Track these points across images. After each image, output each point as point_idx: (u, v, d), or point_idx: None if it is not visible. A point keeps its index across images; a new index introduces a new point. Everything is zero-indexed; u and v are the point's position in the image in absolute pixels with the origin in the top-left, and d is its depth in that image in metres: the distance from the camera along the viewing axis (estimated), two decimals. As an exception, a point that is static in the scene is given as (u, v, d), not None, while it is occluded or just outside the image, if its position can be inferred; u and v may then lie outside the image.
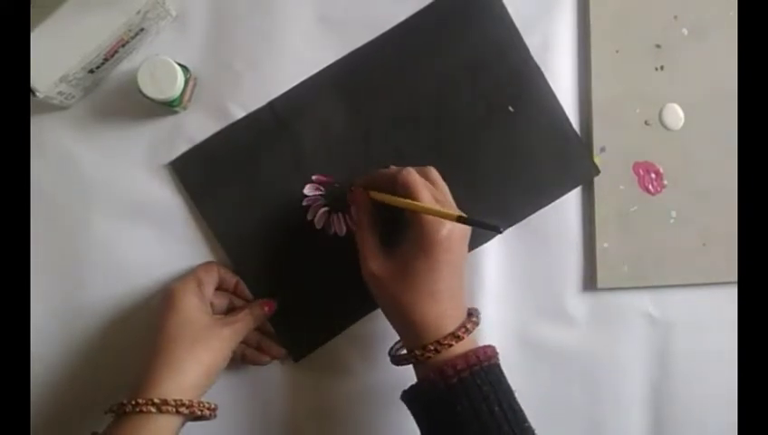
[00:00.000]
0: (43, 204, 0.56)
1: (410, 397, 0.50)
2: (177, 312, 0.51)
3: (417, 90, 0.59)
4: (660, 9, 0.61)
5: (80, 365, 0.57)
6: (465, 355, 0.47)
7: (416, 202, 0.48)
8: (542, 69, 0.60)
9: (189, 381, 0.49)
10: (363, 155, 0.59)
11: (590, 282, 0.61)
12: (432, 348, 0.47)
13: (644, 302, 0.62)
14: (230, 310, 0.57)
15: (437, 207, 0.47)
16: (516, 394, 0.49)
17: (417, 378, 0.49)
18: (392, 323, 0.51)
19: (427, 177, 0.51)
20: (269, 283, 0.58)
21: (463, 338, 0.48)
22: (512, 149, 0.59)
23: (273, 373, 0.59)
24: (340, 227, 0.58)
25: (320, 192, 0.58)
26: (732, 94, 0.60)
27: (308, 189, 0.58)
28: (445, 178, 0.53)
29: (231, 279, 0.57)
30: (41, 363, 0.56)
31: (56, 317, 0.57)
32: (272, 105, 0.58)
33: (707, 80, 0.61)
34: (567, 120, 0.60)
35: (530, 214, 0.60)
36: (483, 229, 0.45)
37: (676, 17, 0.61)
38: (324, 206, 0.58)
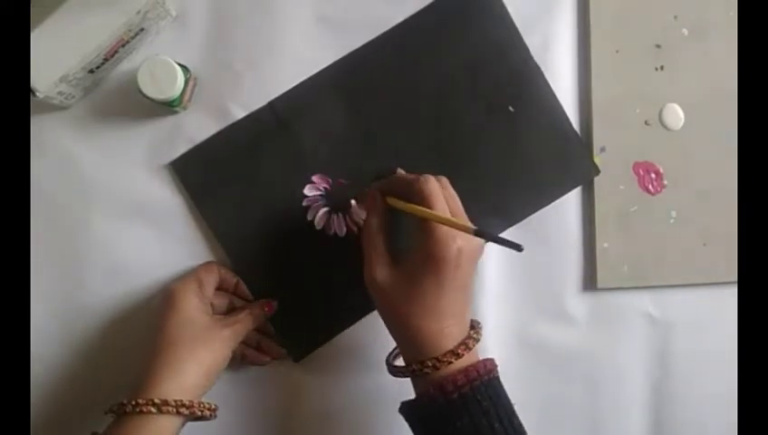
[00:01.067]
0: (43, 204, 0.56)
1: (409, 411, 0.49)
2: (177, 312, 0.51)
3: (417, 90, 0.59)
4: (660, 9, 0.61)
5: (80, 365, 0.57)
6: (466, 370, 0.46)
7: (434, 212, 0.47)
8: (542, 69, 0.60)
9: (190, 382, 0.49)
10: (363, 155, 0.59)
11: (590, 282, 0.61)
12: (430, 365, 0.46)
13: (644, 302, 0.62)
14: (230, 310, 0.57)
15: (455, 219, 0.46)
16: (516, 407, 0.48)
17: (416, 392, 0.49)
18: (391, 333, 0.51)
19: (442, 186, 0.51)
20: (269, 283, 0.58)
21: (462, 355, 0.47)
22: (512, 149, 0.59)
23: (274, 374, 0.59)
24: (340, 227, 0.58)
25: (320, 192, 0.58)
26: (732, 94, 0.60)
27: (308, 190, 0.58)
28: (446, 175, 0.53)
29: (231, 279, 0.57)
30: (41, 363, 0.56)
31: (56, 317, 0.56)
32: (272, 105, 0.58)
33: (707, 80, 0.61)
34: (567, 120, 0.60)
35: (530, 214, 0.60)
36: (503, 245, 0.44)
37: (676, 17, 0.61)
38: (324, 206, 0.58)
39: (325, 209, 0.58)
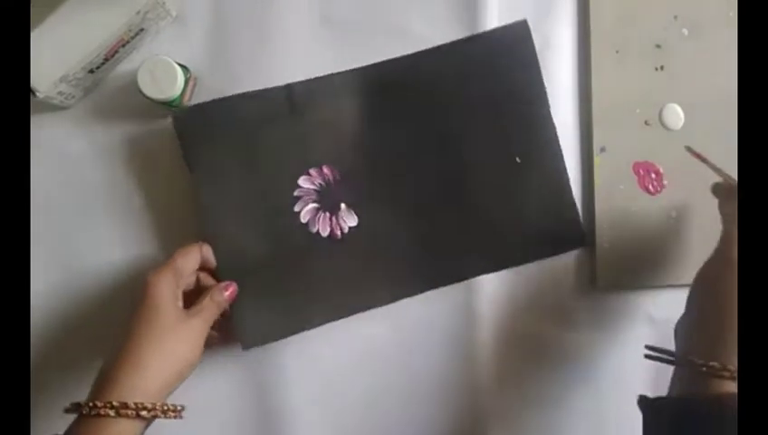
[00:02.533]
0: (43, 204, 0.56)
1: (687, 409, 0.46)
2: (146, 307, 0.48)
3: (433, 116, 0.58)
4: (660, 9, 0.61)
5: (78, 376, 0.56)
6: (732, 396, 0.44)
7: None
8: (542, 69, 0.60)
9: (154, 381, 0.46)
10: (365, 165, 0.58)
11: (590, 282, 0.61)
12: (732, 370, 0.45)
13: (644, 302, 0.62)
14: (197, 290, 0.54)
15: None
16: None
17: (693, 391, 0.46)
18: (707, 326, 0.49)
19: None
20: (238, 262, 0.55)
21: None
22: (508, 199, 0.59)
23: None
24: (324, 226, 0.58)
25: (313, 187, 0.58)
26: (732, 94, 0.60)
27: (303, 180, 0.57)
28: (440, 205, 0.56)
29: (214, 262, 0.55)
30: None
31: (56, 319, 0.56)
32: (289, 87, 0.57)
33: (707, 80, 0.61)
34: (568, 185, 0.60)
35: (510, 266, 0.60)
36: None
37: (676, 17, 0.61)
38: (315, 202, 0.57)
39: (315, 205, 0.58)
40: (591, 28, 0.61)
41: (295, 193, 0.57)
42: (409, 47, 0.59)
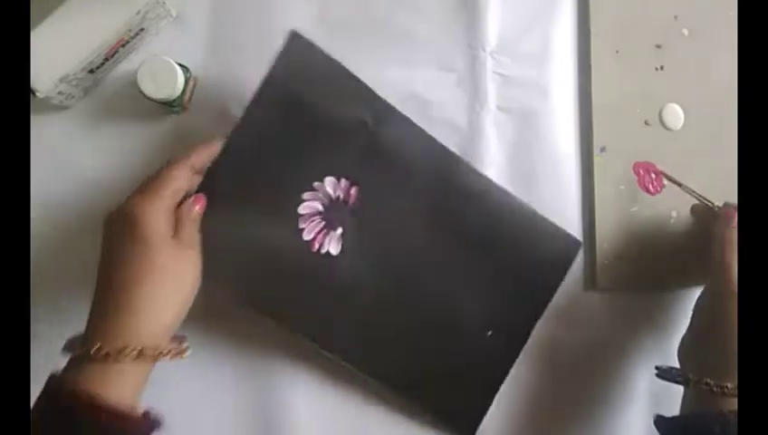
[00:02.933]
0: (43, 204, 0.56)
1: (695, 425, 0.47)
2: (137, 246, 0.44)
3: (464, 248, 0.56)
4: (660, 9, 0.61)
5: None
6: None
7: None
8: (542, 69, 0.60)
9: (159, 324, 0.44)
10: (385, 221, 0.55)
11: (590, 282, 0.61)
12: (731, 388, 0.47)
13: (644, 302, 0.62)
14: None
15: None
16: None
17: (700, 408, 0.48)
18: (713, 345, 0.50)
19: None
20: (221, 199, 0.51)
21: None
22: (454, 360, 0.57)
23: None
24: (310, 231, 0.54)
25: (332, 192, 0.54)
26: (732, 94, 0.60)
27: (329, 181, 0.54)
28: (404, 312, 0.55)
29: (206, 158, 0.50)
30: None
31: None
32: (389, 106, 0.54)
33: (707, 80, 0.61)
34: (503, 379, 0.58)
35: (406, 397, 0.58)
36: None
37: (676, 17, 0.61)
38: (322, 204, 0.54)
39: (318, 207, 0.54)
40: (591, 28, 0.61)
41: (315, 184, 0.54)
42: (409, 47, 0.60)
